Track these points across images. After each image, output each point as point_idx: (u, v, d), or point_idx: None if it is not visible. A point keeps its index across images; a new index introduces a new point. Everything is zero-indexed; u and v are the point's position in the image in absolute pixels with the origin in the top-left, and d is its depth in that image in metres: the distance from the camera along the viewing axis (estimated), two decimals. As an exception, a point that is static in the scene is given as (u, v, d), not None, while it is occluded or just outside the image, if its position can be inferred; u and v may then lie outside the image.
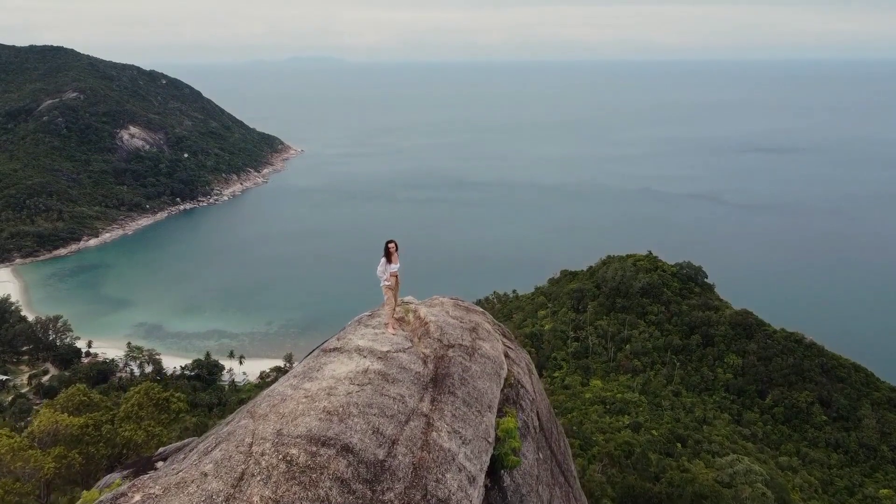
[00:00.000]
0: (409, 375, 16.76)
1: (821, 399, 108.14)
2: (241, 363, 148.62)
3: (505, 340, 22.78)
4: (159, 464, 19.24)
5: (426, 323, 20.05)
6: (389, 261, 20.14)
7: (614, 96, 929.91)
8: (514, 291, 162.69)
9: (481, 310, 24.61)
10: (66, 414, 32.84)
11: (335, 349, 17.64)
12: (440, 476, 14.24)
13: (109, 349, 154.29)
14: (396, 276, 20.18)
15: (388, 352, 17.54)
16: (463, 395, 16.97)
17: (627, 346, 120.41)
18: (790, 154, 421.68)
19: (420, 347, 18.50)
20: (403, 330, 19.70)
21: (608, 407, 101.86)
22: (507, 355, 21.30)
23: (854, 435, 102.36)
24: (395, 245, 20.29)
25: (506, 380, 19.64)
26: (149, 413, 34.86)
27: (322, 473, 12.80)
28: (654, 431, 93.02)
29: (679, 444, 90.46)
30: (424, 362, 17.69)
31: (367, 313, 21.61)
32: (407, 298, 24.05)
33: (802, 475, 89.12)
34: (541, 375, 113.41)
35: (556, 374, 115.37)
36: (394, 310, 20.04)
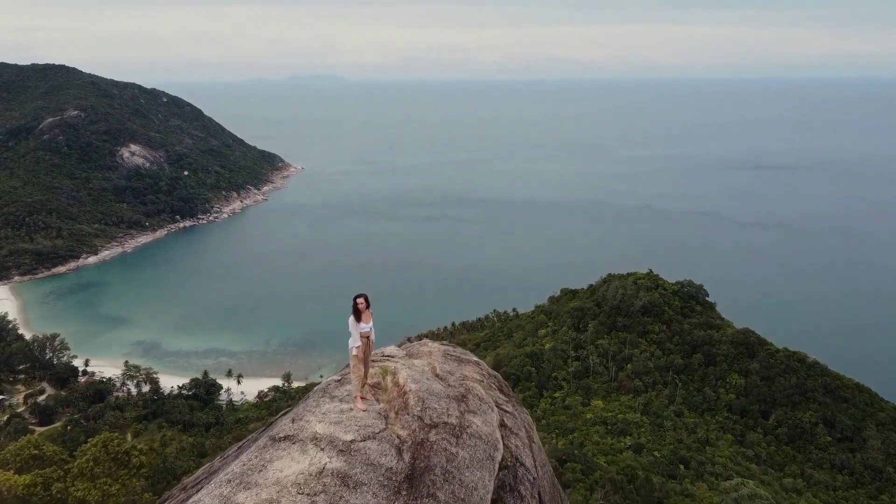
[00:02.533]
0: (377, 475, 13.37)
1: (825, 419, 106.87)
2: (238, 382, 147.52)
3: (501, 398, 19.64)
4: None
5: (405, 393, 16.69)
6: (358, 319, 16.41)
7: (613, 114, 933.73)
8: (514, 310, 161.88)
9: (475, 359, 21.43)
10: (12, 471, 29.75)
11: (286, 438, 14.27)
12: None
13: (107, 368, 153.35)
14: (368, 338, 16.52)
15: (352, 442, 14.14)
16: (446, 497, 13.53)
17: (629, 365, 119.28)
18: (791, 171, 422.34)
19: (395, 428, 15.17)
20: (378, 400, 16.44)
21: (610, 427, 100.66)
22: (503, 424, 18.12)
23: (859, 456, 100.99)
24: (366, 300, 16.59)
25: (501, 461, 16.58)
26: (106, 469, 31.50)
27: None
28: (656, 453, 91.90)
29: (682, 466, 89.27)
30: (399, 451, 14.36)
31: (335, 377, 18.27)
32: (388, 350, 20.48)
33: (807, 497, 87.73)
34: (541, 395, 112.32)
35: (556, 395, 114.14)
36: (364, 379, 16.54)
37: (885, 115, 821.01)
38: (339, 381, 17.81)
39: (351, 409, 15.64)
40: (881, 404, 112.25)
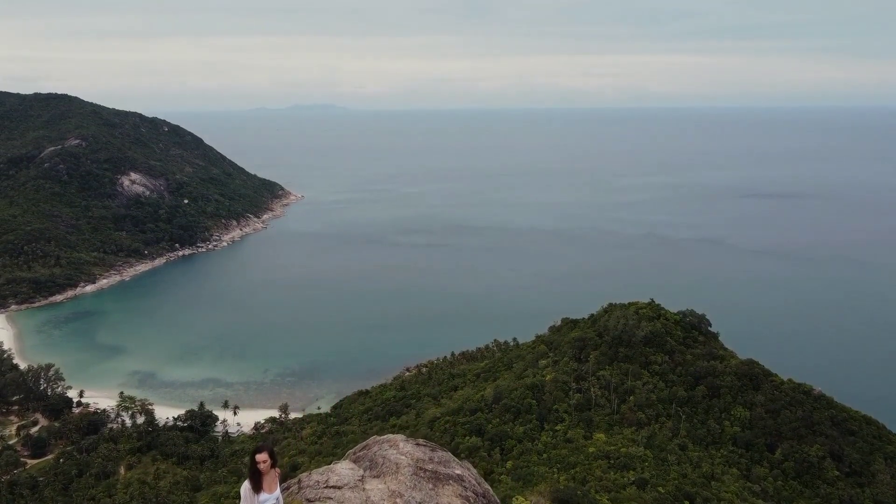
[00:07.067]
0: None
1: (832, 453, 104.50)
2: (235, 413, 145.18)
3: None
4: None
5: None
6: (258, 488, 11.32)
7: (613, 143, 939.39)
8: (514, 339, 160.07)
9: (458, 471, 14.91)
10: None
11: None
12: None
13: (101, 399, 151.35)
14: None
15: None
16: None
17: (631, 397, 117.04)
18: (791, 200, 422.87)
19: None
20: None
21: (612, 462, 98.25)
22: None
23: (868, 491, 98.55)
24: (271, 455, 11.57)
25: None
26: None
27: None
28: (660, 488, 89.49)
29: (687, 502, 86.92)
30: None
31: None
32: (337, 473, 13.53)
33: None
34: (542, 429, 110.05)
35: (558, 428, 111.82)
36: None
37: (890, 143, 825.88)
38: None
39: None
40: (889, 437, 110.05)
